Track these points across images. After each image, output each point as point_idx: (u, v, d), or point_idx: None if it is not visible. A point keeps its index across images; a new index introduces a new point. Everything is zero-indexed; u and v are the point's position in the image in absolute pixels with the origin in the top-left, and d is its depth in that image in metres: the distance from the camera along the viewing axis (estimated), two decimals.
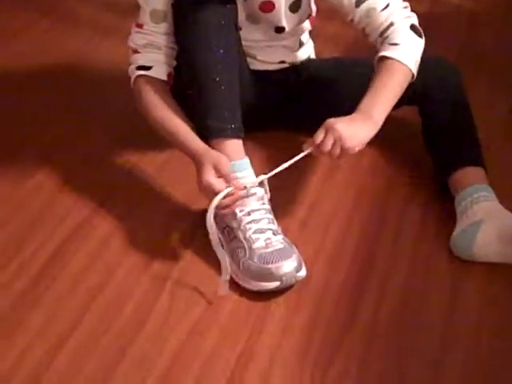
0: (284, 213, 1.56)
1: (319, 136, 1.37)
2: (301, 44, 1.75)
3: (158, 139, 1.58)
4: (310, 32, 1.79)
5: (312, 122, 1.77)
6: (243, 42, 1.62)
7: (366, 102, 1.43)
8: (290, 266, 1.36)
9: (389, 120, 1.78)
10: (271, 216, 1.44)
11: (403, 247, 1.52)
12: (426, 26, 1.57)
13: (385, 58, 1.48)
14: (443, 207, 1.59)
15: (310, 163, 1.73)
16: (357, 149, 1.38)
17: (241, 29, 1.59)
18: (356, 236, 1.54)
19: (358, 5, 1.53)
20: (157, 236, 1.54)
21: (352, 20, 1.56)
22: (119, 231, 1.56)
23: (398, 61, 1.47)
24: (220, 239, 1.46)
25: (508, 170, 1.72)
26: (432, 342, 1.32)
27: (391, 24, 1.51)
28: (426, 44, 1.54)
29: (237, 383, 1.24)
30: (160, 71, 1.54)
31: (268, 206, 1.44)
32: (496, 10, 2.49)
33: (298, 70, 1.76)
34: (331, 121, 1.38)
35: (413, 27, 1.52)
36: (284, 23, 1.65)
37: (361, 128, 1.40)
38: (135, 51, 1.55)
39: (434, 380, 1.25)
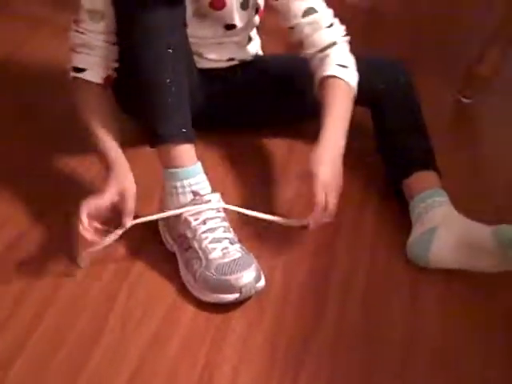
0: (239, 219, 1.51)
1: (321, 197, 1.40)
2: (249, 39, 1.71)
3: None
4: (257, 27, 1.74)
5: (263, 119, 1.77)
6: (190, 40, 1.55)
7: (330, 132, 1.47)
8: (249, 277, 1.32)
9: None
10: (227, 224, 1.39)
11: (360, 255, 1.50)
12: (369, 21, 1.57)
13: (336, 78, 1.51)
14: (398, 213, 1.58)
15: (258, 162, 1.70)
16: None
17: (187, 26, 1.52)
18: (312, 243, 1.52)
19: (304, 15, 1.54)
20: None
21: (292, 28, 1.56)
22: (64, 241, 1.47)
23: (348, 84, 1.52)
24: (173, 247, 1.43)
25: (455, 164, 1.73)
26: (395, 353, 1.31)
27: (334, 43, 1.55)
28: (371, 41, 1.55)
29: None
30: (93, 74, 1.48)
31: (223, 214, 1.40)
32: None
33: (247, 67, 1.72)
34: (319, 177, 1.40)
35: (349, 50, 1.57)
36: (236, 21, 1.60)
37: (338, 166, 1.45)
38: (72, 50, 1.50)
39: None
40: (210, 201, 1.37)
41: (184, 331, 1.31)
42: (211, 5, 1.56)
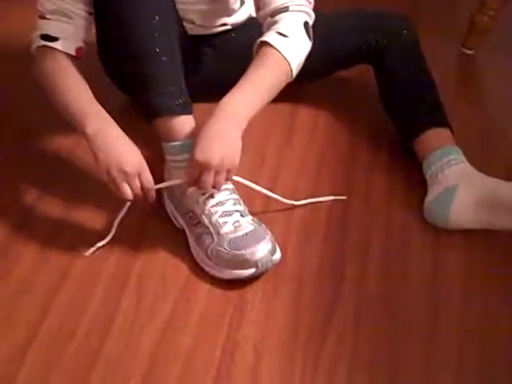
0: (245, 190, 1.43)
1: (192, 174, 1.28)
2: (242, 3, 1.62)
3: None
4: None
5: None
6: (178, 6, 1.47)
7: (234, 98, 1.30)
8: (264, 250, 1.26)
9: (342, 80, 1.74)
10: (236, 196, 1.33)
11: (374, 220, 1.44)
12: None
13: (268, 45, 1.34)
14: (410, 172, 1.53)
15: (265, 134, 1.63)
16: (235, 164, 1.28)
17: None
18: (324, 208, 1.46)
19: None
20: (106, 230, 1.40)
21: None
22: (63, 228, 1.41)
23: (281, 54, 1.33)
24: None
25: (464, 118, 1.68)
26: (421, 317, 1.26)
27: (286, 9, 1.37)
28: None
29: (224, 381, 1.16)
30: (67, 44, 1.36)
31: (232, 186, 1.34)
32: None
33: (241, 31, 1.63)
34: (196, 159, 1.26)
35: (306, 25, 1.38)
36: None
37: (230, 140, 1.27)
38: (42, 17, 1.37)
39: (428, 356, 1.20)
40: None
41: (200, 311, 1.26)
42: None
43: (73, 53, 1.36)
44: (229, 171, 1.27)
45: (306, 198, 1.46)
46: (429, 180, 1.44)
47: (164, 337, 1.21)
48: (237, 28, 1.63)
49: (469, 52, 1.89)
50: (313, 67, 1.60)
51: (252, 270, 1.26)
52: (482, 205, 1.35)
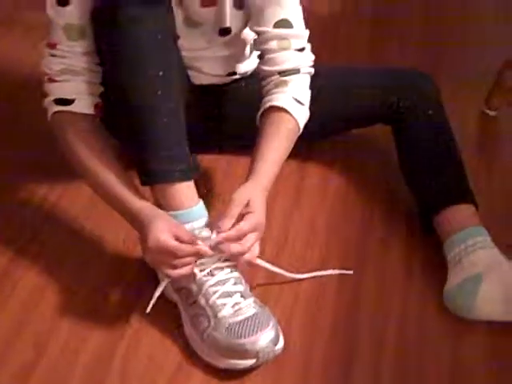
0: None
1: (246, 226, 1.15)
2: (251, 50, 1.49)
3: None
4: None
5: None
6: (183, 53, 1.34)
7: (261, 172, 1.22)
8: (266, 339, 1.12)
9: (355, 136, 1.61)
10: (237, 274, 1.19)
11: (389, 305, 1.30)
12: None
13: (287, 114, 1.27)
14: (429, 248, 1.39)
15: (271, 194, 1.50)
16: None
17: (179, 37, 1.30)
18: (333, 286, 1.32)
19: (276, 26, 1.30)
20: (94, 295, 1.27)
21: (259, 35, 1.32)
22: (47, 290, 1.28)
23: (298, 125, 1.29)
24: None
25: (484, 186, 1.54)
26: None
27: (297, 70, 1.30)
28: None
29: None
30: (84, 104, 1.25)
31: (234, 263, 1.19)
32: None
33: (250, 80, 1.50)
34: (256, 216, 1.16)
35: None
36: (229, 23, 1.37)
37: (264, 208, 1.21)
38: (51, 80, 1.25)
39: None
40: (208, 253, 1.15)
41: None
42: (203, 3, 1.33)
43: (92, 112, 1.25)
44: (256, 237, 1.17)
45: (311, 271, 1.32)
46: (450, 262, 1.30)
47: None
48: (246, 78, 1.50)
49: (492, 113, 1.76)
50: (327, 125, 1.48)
51: (252, 361, 1.12)
52: (511, 297, 1.22)
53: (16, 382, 1.12)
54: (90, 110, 1.25)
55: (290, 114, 1.27)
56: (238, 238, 1.13)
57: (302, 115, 1.29)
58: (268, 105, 1.28)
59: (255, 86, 1.47)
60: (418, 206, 1.42)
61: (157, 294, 1.18)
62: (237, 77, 1.49)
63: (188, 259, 1.12)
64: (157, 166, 1.18)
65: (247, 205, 1.16)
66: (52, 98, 1.25)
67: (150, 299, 1.18)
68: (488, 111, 1.76)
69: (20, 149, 1.59)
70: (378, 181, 1.55)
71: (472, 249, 1.27)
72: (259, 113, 1.30)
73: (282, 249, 1.38)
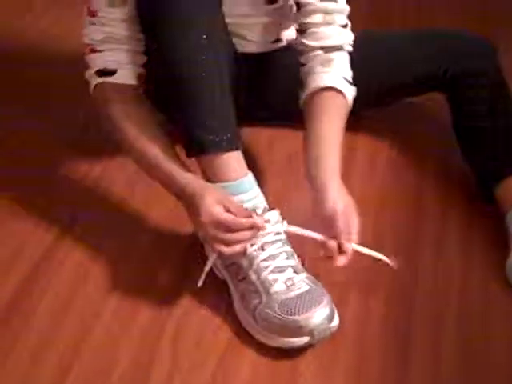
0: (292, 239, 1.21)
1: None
2: None
3: None
4: None
5: None
6: (227, 20, 1.27)
7: (335, 166, 1.16)
8: (321, 315, 1.07)
9: (405, 106, 1.54)
10: (289, 248, 1.14)
11: (448, 279, 1.23)
12: None
13: (340, 94, 1.22)
14: (490, 223, 1.31)
15: None
16: None
17: (222, 3, 1.23)
18: (388, 266, 1.25)
19: None
20: (141, 273, 1.23)
21: (302, 6, 1.25)
22: (92, 269, 1.24)
23: (348, 103, 1.24)
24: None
25: None
26: None
27: (341, 47, 1.25)
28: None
29: None
30: (127, 74, 1.20)
31: (284, 236, 1.14)
32: None
33: (294, 50, 1.43)
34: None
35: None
36: None
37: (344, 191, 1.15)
38: (93, 50, 1.21)
39: None
40: (268, 221, 1.11)
41: None
42: None
43: (135, 82, 1.21)
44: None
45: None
46: None
47: None
48: (291, 45, 1.44)
49: None
50: (376, 95, 1.42)
51: (306, 339, 1.07)
52: None
53: (64, 361, 1.08)
54: (133, 81, 1.21)
55: (343, 94, 1.22)
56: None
57: (351, 93, 1.24)
58: (316, 86, 1.22)
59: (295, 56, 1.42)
60: (477, 176, 1.35)
61: (206, 269, 1.13)
62: (283, 44, 1.43)
63: (242, 234, 1.07)
64: (203, 135, 1.12)
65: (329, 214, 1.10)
66: (94, 69, 1.21)
67: (199, 277, 1.14)
68: None
69: (58, 126, 1.55)
70: (430, 151, 1.48)
71: None
72: (305, 94, 1.24)
73: None
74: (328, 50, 1.24)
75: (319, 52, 1.24)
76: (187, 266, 1.23)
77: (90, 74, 1.22)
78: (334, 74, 1.23)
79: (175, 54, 1.13)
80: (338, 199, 1.11)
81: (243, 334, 1.13)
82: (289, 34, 1.42)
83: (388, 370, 1.09)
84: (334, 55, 1.24)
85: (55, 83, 1.67)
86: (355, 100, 1.25)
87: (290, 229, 1.13)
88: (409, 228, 1.33)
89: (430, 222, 1.34)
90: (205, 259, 1.21)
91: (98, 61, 1.21)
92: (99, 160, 1.46)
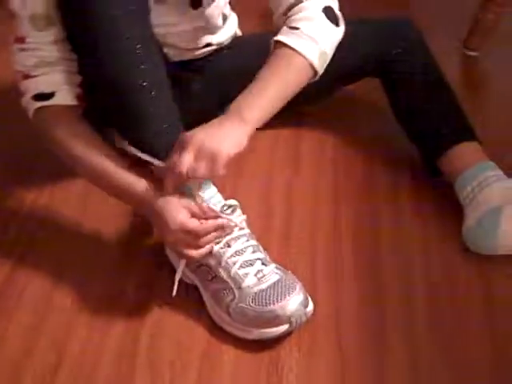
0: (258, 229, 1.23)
1: (186, 159, 1.05)
2: (224, 18, 1.44)
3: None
4: (230, 2, 1.47)
5: None
6: (157, 30, 1.28)
7: (240, 102, 1.12)
8: (296, 302, 1.07)
9: (344, 97, 1.57)
10: (255, 242, 1.14)
11: (410, 251, 1.26)
12: None
13: (279, 44, 1.16)
14: (439, 197, 1.35)
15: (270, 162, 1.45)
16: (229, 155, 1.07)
17: (150, 11, 1.22)
18: (349, 244, 1.28)
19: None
20: (108, 290, 1.21)
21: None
22: (57, 293, 1.21)
23: (293, 50, 1.15)
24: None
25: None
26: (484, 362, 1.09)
27: (299, 1, 1.19)
28: None
29: None
30: (65, 95, 1.18)
31: (248, 230, 1.15)
32: None
33: (226, 53, 1.46)
34: (191, 138, 1.07)
35: (326, 9, 1.19)
36: None
37: (227, 133, 1.08)
38: (26, 76, 1.19)
39: None
40: (231, 219, 1.11)
41: (230, 380, 1.06)
42: None
43: (74, 102, 1.19)
44: (213, 160, 1.05)
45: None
46: (464, 202, 1.27)
47: None
48: (222, 49, 1.46)
49: (472, 53, 1.74)
50: (321, 85, 1.43)
51: (284, 327, 1.08)
52: None
53: None
54: (72, 101, 1.19)
55: (281, 42, 1.15)
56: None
57: (313, 52, 1.15)
58: (277, 38, 1.16)
59: (233, 58, 1.44)
60: (422, 152, 1.39)
61: (177, 277, 1.13)
62: (213, 47, 1.44)
63: (210, 236, 1.08)
64: (155, 141, 1.12)
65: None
66: (30, 94, 1.19)
67: (167, 284, 1.14)
68: (468, 52, 1.74)
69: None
70: (373, 137, 1.51)
71: (485, 183, 1.24)
72: (271, 46, 1.20)
73: (290, 218, 1.34)
74: (287, 11, 1.20)
75: (283, 18, 1.21)
76: (153, 276, 1.22)
77: (26, 100, 1.20)
78: (293, 31, 1.17)
79: (111, 66, 1.12)
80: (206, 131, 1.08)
81: (219, 333, 1.12)
82: (218, 37, 1.44)
83: (367, 346, 1.11)
84: (292, 11, 1.19)
85: None
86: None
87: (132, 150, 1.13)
88: (365, 209, 1.35)
89: (383, 203, 1.37)
90: (168, 265, 1.22)
91: (33, 86, 1.19)
92: (45, 184, 1.43)
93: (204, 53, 1.44)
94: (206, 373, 1.07)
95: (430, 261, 1.25)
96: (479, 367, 1.08)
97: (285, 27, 1.18)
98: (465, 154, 1.30)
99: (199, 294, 1.17)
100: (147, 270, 1.24)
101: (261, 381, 1.06)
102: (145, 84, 1.12)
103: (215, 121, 1.10)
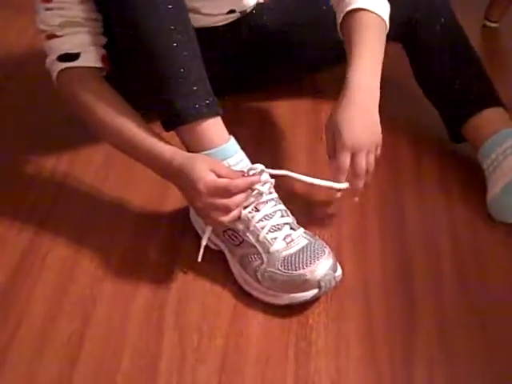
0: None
1: (343, 161, 1.13)
2: None
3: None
4: None
5: (274, 75, 1.51)
6: None
7: (359, 73, 1.15)
8: (325, 266, 1.07)
9: None
10: (283, 206, 1.13)
11: (435, 220, 1.25)
12: None
13: (365, 11, 1.19)
14: (464, 165, 1.34)
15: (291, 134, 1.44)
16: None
17: None
18: (375, 211, 1.27)
19: None
20: (131, 256, 1.20)
21: None
22: (80, 260, 1.19)
23: (381, 17, 1.21)
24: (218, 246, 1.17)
25: None
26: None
27: None
28: None
29: None
30: (91, 57, 1.17)
31: (276, 194, 1.13)
32: None
33: (249, 20, 1.44)
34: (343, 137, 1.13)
35: None
36: None
37: (372, 116, 1.15)
38: (51, 36, 1.16)
39: None
40: (260, 179, 1.10)
41: (258, 345, 1.06)
42: None
43: (100, 64, 1.17)
44: (377, 149, 1.16)
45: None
46: (488, 170, 1.25)
47: (221, 382, 1.01)
48: (245, 17, 1.44)
49: (493, 25, 1.72)
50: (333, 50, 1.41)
51: (314, 292, 1.07)
52: None
53: (67, 353, 1.05)
54: (98, 63, 1.18)
55: (370, 11, 1.19)
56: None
57: (381, 8, 1.21)
58: (344, 11, 1.20)
59: (253, 30, 1.41)
60: (445, 117, 1.37)
61: (203, 242, 1.12)
62: (237, 15, 1.42)
63: (239, 197, 1.06)
64: (183, 104, 1.10)
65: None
66: (55, 55, 1.17)
67: (191, 250, 1.13)
68: (489, 23, 1.72)
69: (19, 122, 1.51)
70: (396, 104, 1.49)
71: (510, 150, 1.22)
72: (338, 27, 1.23)
73: None
74: None
75: None
76: (175, 242, 1.21)
77: (51, 60, 1.18)
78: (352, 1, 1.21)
79: (141, 26, 1.09)
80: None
81: (246, 298, 1.12)
82: (243, 3, 1.41)
83: (395, 311, 1.10)
84: None
85: None
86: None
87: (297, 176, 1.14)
88: (388, 176, 1.34)
89: (406, 171, 1.36)
90: (192, 230, 1.21)
91: (58, 46, 1.17)
92: (64, 152, 1.42)
93: (226, 20, 1.41)
94: (234, 338, 1.06)
95: (455, 229, 1.24)
96: (509, 330, 1.07)
97: None
98: (491, 119, 1.28)
99: (225, 260, 1.16)
100: (170, 236, 1.23)
101: (289, 346, 1.05)
102: (175, 45, 1.10)
103: (361, 108, 1.14)
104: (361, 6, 1.19)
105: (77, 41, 1.16)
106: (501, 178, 1.22)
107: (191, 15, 1.32)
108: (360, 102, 1.14)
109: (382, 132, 1.17)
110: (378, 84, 1.17)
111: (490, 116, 1.29)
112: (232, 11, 1.41)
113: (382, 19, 1.21)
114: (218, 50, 1.42)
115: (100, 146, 1.39)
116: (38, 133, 1.47)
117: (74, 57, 1.16)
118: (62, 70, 1.17)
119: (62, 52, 1.16)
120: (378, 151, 1.17)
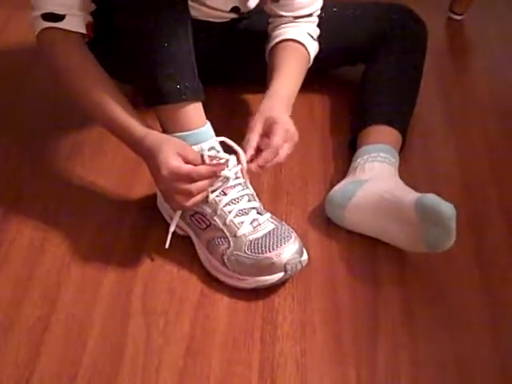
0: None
1: (277, 142, 1.11)
2: None
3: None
4: None
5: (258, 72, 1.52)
6: None
7: (280, 85, 1.21)
8: (291, 250, 1.08)
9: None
10: (250, 191, 1.14)
11: None
12: None
13: (298, 43, 1.28)
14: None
15: None
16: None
17: None
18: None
19: None
20: (99, 239, 1.20)
21: None
22: (48, 242, 1.19)
23: (309, 57, 1.30)
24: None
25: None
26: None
27: (310, 15, 1.32)
28: None
29: None
30: (77, 21, 1.14)
31: (243, 180, 1.13)
32: None
33: (248, 24, 1.44)
34: (275, 118, 1.13)
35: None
36: None
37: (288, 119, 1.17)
38: None
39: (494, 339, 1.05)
40: (227, 165, 1.10)
41: (224, 328, 1.06)
42: None
43: (83, 31, 1.15)
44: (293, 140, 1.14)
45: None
46: (349, 171, 1.26)
47: (187, 365, 1.02)
48: (243, 17, 1.42)
49: (458, 18, 1.75)
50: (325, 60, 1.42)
51: (280, 275, 1.08)
52: (381, 207, 1.14)
53: (33, 338, 1.04)
54: (82, 29, 1.15)
55: (304, 46, 1.27)
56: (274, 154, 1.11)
57: (313, 49, 1.30)
58: (281, 38, 1.28)
59: (256, 26, 1.41)
60: (352, 121, 1.41)
61: (171, 228, 1.12)
62: (236, 15, 1.40)
63: (202, 183, 1.06)
64: (166, 85, 1.09)
65: (269, 121, 1.12)
66: (40, 11, 1.13)
67: (159, 237, 1.13)
68: (453, 16, 1.75)
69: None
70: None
71: (372, 159, 1.23)
72: (269, 45, 1.28)
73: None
74: (299, 17, 1.30)
75: (291, 19, 1.31)
76: (144, 228, 1.21)
77: (36, 15, 1.14)
78: (298, 30, 1.29)
79: (135, 3, 1.08)
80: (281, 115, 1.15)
81: (213, 283, 1.12)
82: (247, 3, 1.39)
83: (360, 294, 1.12)
84: (303, 20, 1.31)
85: None
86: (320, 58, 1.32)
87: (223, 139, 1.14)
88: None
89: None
90: (159, 218, 1.21)
91: (46, 3, 1.13)
92: (36, 136, 1.41)
93: (226, 18, 1.39)
94: (201, 322, 1.07)
95: None
96: (470, 304, 1.11)
97: (306, 33, 1.29)
98: (377, 133, 1.30)
99: (192, 245, 1.16)
100: (139, 222, 1.23)
101: (255, 329, 1.06)
102: (168, 27, 1.09)
103: (276, 108, 1.16)
104: (303, 42, 1.28)
105: (64, 2, 1.13)
106: (349, 178, 1.23)
107: (195, 5, 1.31)
108: (283, 105, 1.19)
109: None
110: (293, 97, 1.23)
111: (378, 131, 1.30)
112: (235, 9, 1.38)
113: (310, 57, 1.30)
114: (214, 42, 1.40)
115: (72, 129, 1.38)
116: (4, 117, 1.46)
117: (58, 18, 1.13)
118: (45, 28, 1.14)
119: (48, 10, 1.13)
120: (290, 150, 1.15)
